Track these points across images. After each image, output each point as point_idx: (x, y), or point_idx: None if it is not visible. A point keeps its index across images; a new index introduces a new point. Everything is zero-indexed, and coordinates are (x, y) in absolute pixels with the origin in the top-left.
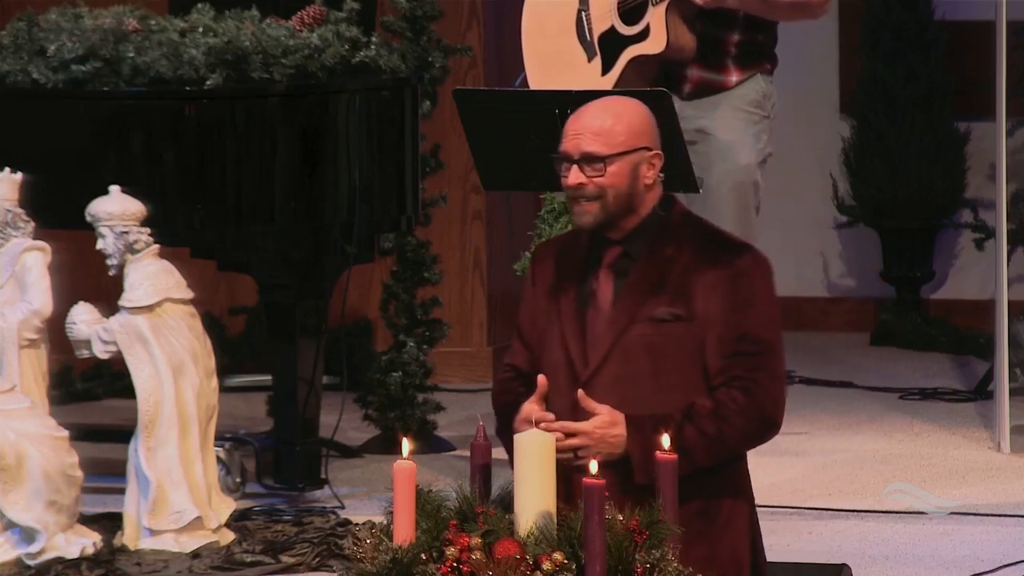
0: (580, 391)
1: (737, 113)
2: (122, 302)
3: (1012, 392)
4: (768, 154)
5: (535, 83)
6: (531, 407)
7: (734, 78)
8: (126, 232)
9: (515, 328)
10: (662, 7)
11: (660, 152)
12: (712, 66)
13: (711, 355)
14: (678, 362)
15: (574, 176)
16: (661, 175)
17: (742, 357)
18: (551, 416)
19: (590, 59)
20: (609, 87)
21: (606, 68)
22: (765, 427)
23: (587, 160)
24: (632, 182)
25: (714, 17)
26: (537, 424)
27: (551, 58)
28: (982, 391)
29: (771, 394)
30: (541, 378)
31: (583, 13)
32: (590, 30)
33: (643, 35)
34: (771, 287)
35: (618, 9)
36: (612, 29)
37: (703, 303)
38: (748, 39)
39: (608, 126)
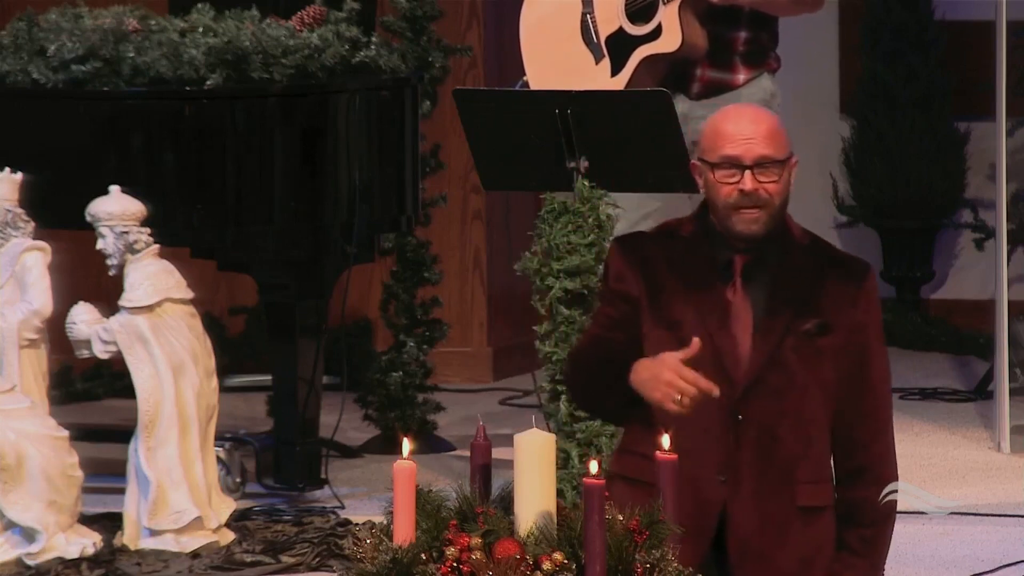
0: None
1: None
2: (122, 302)
3: (1012, 392)
4: None
5: (540, 88)
6: (676, 359)
7: (742, 76)
8: (126, 232)
9: (606, 316)
10: (674, 5)
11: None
12: (720, 65)
13: (846, 374)
14: (826, 371)
15: (749, 182)
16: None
17: (868, 394)
18: (706, 383)
19: (598, 61)
20: (621, 88)
21: (616, 69)
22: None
23: (763, 165)
24: (787, 189)
25: (720, 16)
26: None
27: (555, 63)
28: (982, 391)
29: (891, 448)
30: (696, 340)
31: (588, 16)
32: (596, 32)
33: (655, 34)
34: None
35: (626, 10)
36: (620, 30)
37: (836, 315)
38: (754, 38)
39: (775, 130)
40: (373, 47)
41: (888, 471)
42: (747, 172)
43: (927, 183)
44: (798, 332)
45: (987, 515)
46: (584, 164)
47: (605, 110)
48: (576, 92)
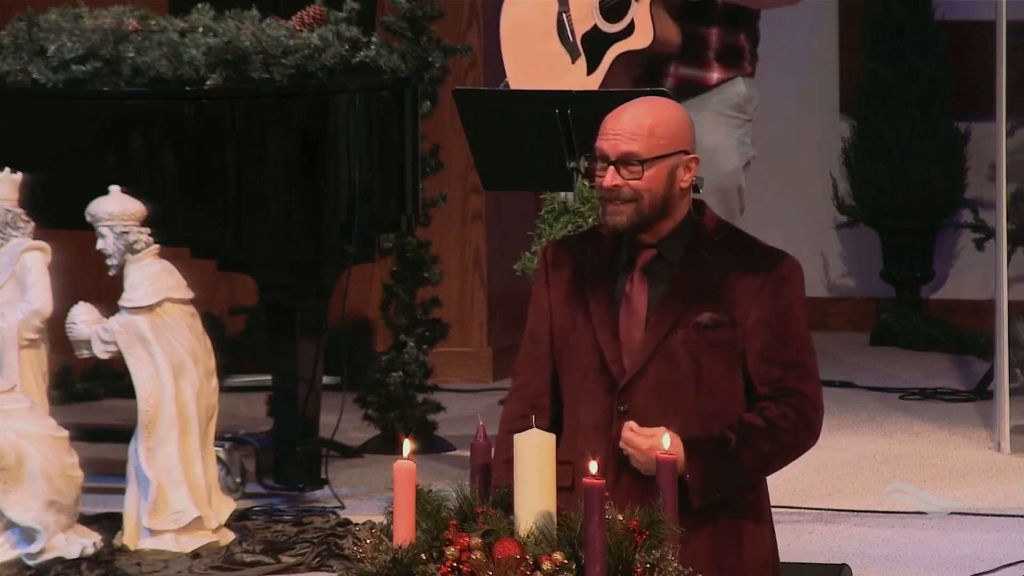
0: (627, 424)
1: (719, 118)
2: (122, 302)
3: (1012, 392)
4: (751, 157)
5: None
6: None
7: (715, 75)
8: (126, 232)
9: (526, 351)
10: (646, 2)
11: (697, 156)
12: (693, 63)
13: (755, 362)
14: (719, 366)
15: (610, 177)
16: (699, 178)
17: (787, 368)
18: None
19: (574, 60)
20: (595, 87)
21: (591, 68)
22: (810, 440)
23: (624, 162)
24: (668, 186)
25: (693, 13)
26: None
27: (533, 63)
28: (982, 391)
29: (816, 406)
30: None
31: (564, 15)
32: (572, 31)
33: (628, 31)
34: (804, 293)
35: (600, 8)
36: (595, 28)
37: (744, 309)
38: (730, 38)
39: (648, 128)
40: (373, 47)
41: (812, 413)
42: (610, 168)
43: (927, 183)
44: (690, 325)
45: (987, 515)
46: (584, 164)
47: (605, 110)
48: (576, 92)
